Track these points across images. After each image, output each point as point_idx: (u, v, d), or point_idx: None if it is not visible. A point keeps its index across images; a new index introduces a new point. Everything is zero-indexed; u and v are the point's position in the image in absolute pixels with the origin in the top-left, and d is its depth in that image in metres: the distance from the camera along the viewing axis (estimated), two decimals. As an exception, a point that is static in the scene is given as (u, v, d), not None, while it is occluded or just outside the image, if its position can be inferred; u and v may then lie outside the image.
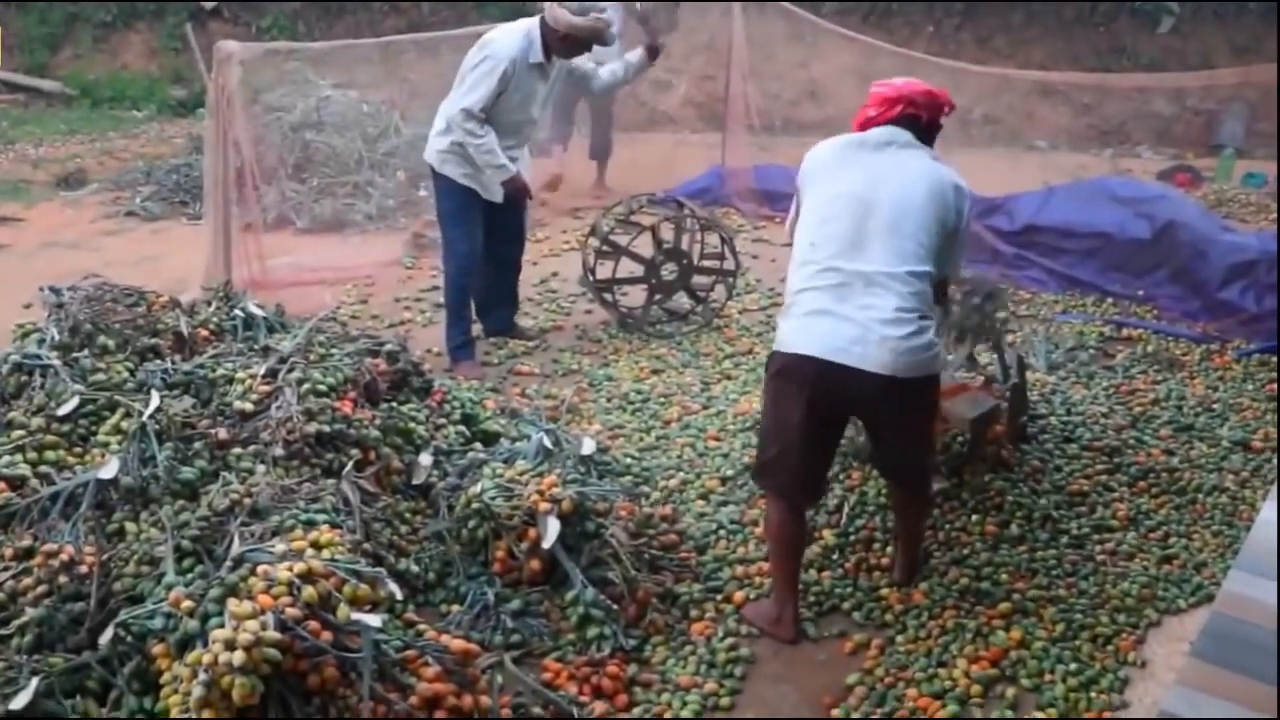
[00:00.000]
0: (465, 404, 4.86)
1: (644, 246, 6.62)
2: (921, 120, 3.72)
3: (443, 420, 4.66)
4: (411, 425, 4.40)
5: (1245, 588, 2.23)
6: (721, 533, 4.32)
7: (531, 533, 3.81)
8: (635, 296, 6.79)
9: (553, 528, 3.79)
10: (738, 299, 7.07)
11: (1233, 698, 1.98)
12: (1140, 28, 13.79)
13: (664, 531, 4.21)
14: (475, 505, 3.90)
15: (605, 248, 6.57)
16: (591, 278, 6.65)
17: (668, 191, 7.39)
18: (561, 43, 5.71)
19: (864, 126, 3.75)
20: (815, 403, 3.52)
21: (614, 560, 3.84)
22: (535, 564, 3.82)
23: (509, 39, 5.66)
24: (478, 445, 4.58)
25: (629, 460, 4.85)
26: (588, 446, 4.46)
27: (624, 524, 3.99)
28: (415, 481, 4.23)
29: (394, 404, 4.52)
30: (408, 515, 4.08)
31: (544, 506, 3.82)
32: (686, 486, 4.67)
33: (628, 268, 6.65)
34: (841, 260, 3.50)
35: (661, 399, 5.57)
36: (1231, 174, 10.56)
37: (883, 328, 3.42)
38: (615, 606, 3.72)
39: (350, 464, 4.01)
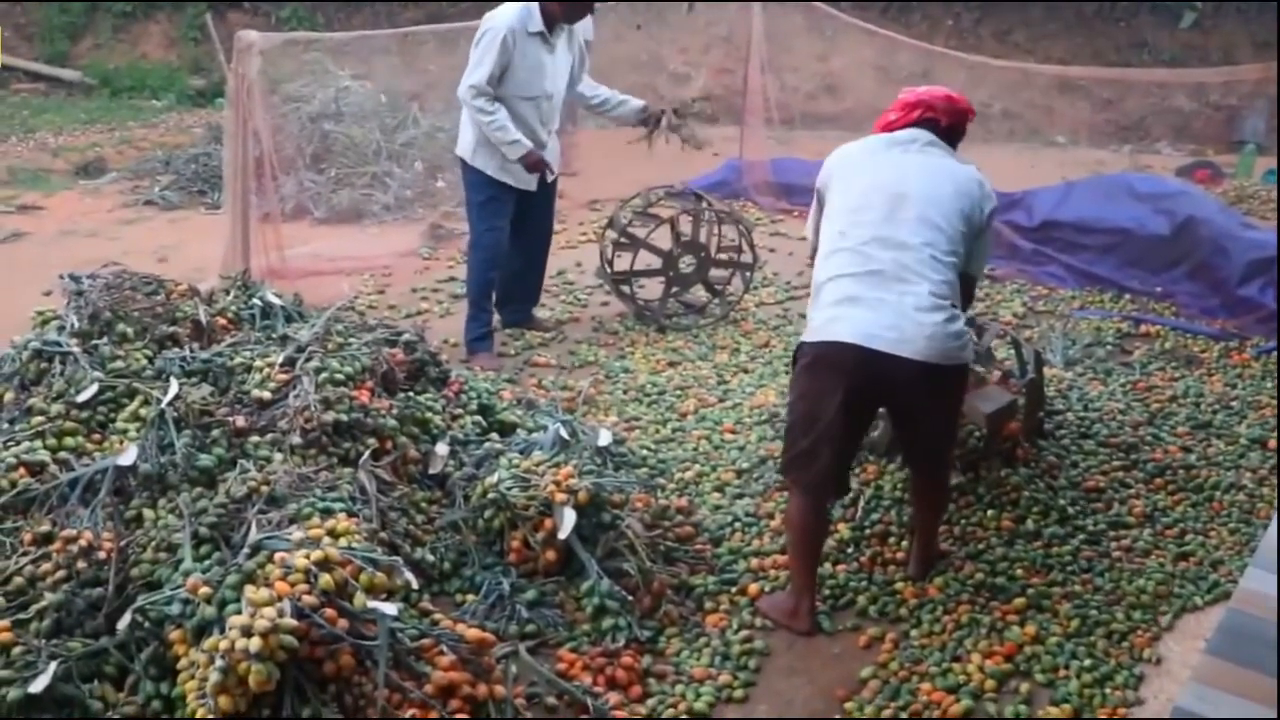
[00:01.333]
0: (482, 394, 4.87)
1: (662, 239, 6.62)
2: (940, 124, 3.77)
3: (459, 410, 4.67)
4: (428, 415, 4.41)
5: (1262, 585, 2.23)
6: (737, 525, 4.32)
7: (547, 523, 3.82)
8: (652, 289, 6.80)
9: (568, 518, 3.79)
10: (755, 292, 7.07)
11: (1248, 695, 1.98)
12: (1161, 23, 13.74)
13: (679, 523, 4.22)
14: (491, 495, 3.91)
15: (623, 240, 6.57)
16: (609, 270, 6.66)
17: (685, 184, 7.39)
18: (560, 8, 5.73)
19: (885, 130, 3.82)
20: (852, 391, 3.50)
21: (629, 551, 3.84)
22: (551, 554, 3.83)
23: (506, 11, 5.71)
24: (494, 435, 4.58)
25: (645, 452, 4.86)
26: (604, 438, 4.47)
27: (639, 515, 3.99)
28: (432, 471, 4.24)
29: (411, 394, 4.53)
30: (424, 504, 4.09)
31: (560, 497, 3.83)
32: (702, 479, 4.68)
33: (645, 260, 6.65)
34: (874, 247, 3.51)
35: (678, 391, 5.58)
36: (1252, 170, 10.50)
37: (919, 314, 3.42)
38: (630, 598, 3.72)
39: (367, 453, 4.02)
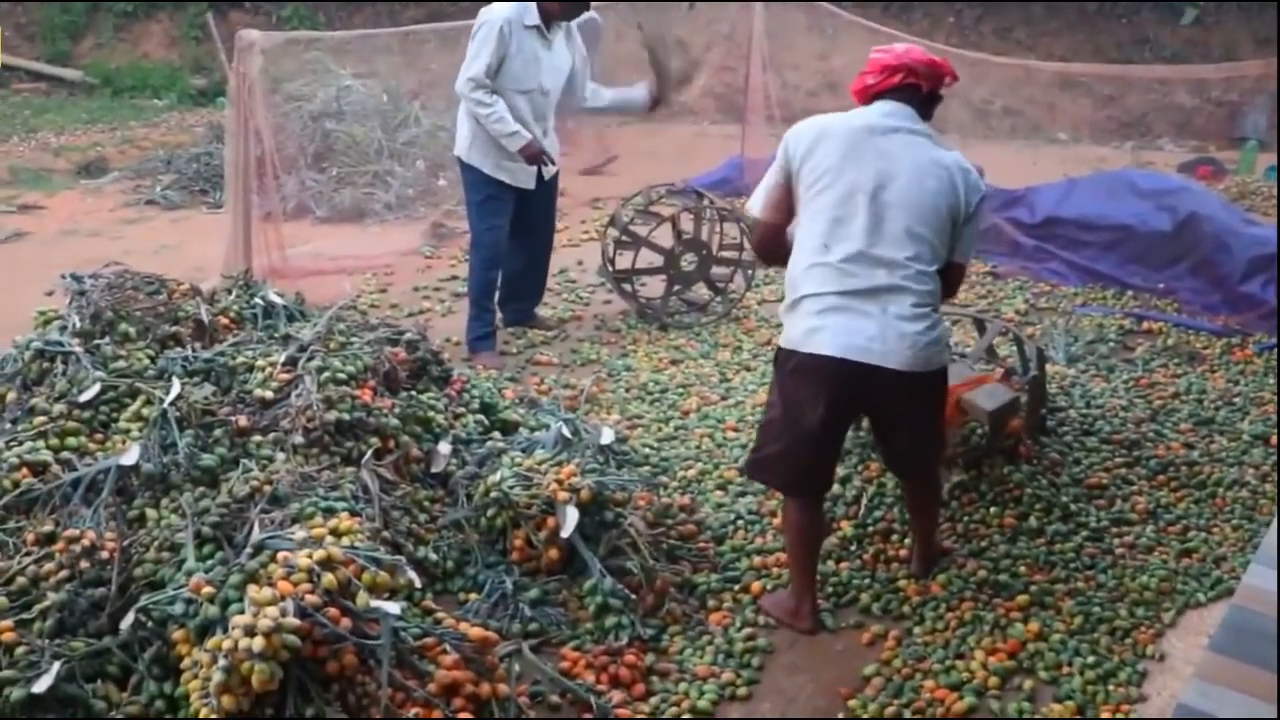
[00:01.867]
0: (484, 393, 4.86)
1: (663, 237, 6.62)
2: (922, 90, 3.59)
3: (461, 409, 4.67)
4: (430, 414, 4.41)
5: (1265, 581, 2.23)
6: (739, 523, 4.32)
7: (550, 522, 3.82)
8: (654, 287, 6.80)
9: (571, 517, 3.79)
10: (757, 290, 7.06)
11: (1251, 691, 1.98)
12: (1163, 20, 13.74)
13: (682, 521, 4.21)
14: (494, 494, 3.91)
15: (624, 238, 6.57)
16: (611, 268, 6.66)
17: (687, 182, 7.39)
18: (557, 6, 5.73)
19: (862, 94, 3.63)
20: (833, 403, 3.49)
21: (632, 550, 3.84)
22: (553, 553, 3.83)
23: (501, 5, 5.70)
24: (496, 434, 4.58)
25: (647, 450, 4.85)
26: (606, 436, 4.46)
27: (642, 514, 3.99)
28: (434, 470, 4.24)
29: (413, 393, 4.53)
30: (426, 503, 4.09)
31: (562, 496, 3.83)
32: (704, 477, 4.67)
33: (647, 258, 6.64)
34: (857, 264, 3.44)
35: (680, 389, 5.57)
36: (1254, 166, 10.50)
37: (901, 324, 3.40)
38: (633, 596, 3.72)
39: (369, 452, 4.02)
